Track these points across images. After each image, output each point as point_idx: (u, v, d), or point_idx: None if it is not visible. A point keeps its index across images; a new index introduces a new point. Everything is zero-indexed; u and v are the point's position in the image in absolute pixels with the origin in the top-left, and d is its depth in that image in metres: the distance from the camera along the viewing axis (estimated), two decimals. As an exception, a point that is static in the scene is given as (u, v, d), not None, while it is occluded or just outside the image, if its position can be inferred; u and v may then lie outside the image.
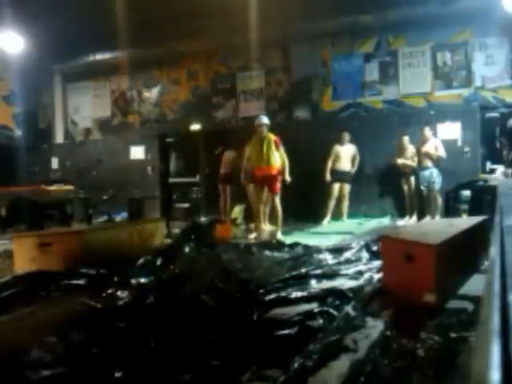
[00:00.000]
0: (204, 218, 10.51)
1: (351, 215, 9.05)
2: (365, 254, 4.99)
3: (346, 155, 8.84)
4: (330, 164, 8.78)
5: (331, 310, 3.12)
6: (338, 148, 8.83)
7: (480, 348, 0.66)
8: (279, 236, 6.87)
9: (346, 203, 9.00)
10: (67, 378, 2.24)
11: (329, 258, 4.94)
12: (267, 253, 5.35)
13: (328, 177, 8.76)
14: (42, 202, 8.94)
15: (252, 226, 7.15)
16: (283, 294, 3.52)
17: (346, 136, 8.86)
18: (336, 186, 8.79)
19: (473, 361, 0.64)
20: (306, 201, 9.23)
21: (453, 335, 2.50)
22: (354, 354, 2.42)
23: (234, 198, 9.60)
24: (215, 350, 2.45)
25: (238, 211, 9.60)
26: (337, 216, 8.93)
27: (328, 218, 8.80)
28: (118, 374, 2.18)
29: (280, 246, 5.86)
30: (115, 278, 4.07)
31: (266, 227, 7.82)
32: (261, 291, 3.54)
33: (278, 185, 7.11)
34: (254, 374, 2.18)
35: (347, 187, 8.91)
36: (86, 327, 2.87)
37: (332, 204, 8.83)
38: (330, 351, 2.45)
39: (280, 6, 8.49)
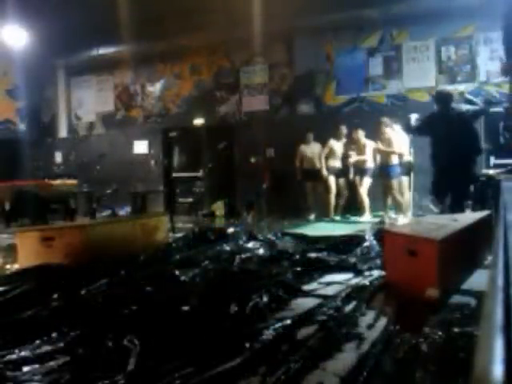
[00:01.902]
0: (205, 212, 10.60)
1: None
2: (365, 250, 4.99)
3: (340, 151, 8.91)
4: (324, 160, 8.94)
5: (334, 306, 3.12)
6: (332, 143, 8.90)
7: (483, 343, 0.66)
8: None
9: (342, 200, 9.05)
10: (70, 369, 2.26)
11: (330, 254, 4.94)
12: (265, 248, 5.35)
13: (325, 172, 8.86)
14: (46, 196, 8.97)
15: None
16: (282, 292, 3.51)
17: (344, 131, 8.93)
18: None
19: (476, 356, 0.64)
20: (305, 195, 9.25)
21: (456, 330, 2.50)
22: (357, 349, 2.43)
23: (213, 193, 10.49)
24: (214, 347, 2.45)
25: (218, 205, 10.38)
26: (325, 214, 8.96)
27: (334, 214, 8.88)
28: (118, 377, 2.18)
29: (282, 240, 5.87)
30: (116, 273, 4.08)
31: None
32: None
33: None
34: (251, 371, 2.18)
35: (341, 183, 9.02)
36: (83, 322, 2.88)
37: (333, 199, 8.86)
38: (333, 346, 2.46)
39: (283, -1, 8.49)
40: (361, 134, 8.60)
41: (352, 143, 8.81)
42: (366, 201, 8.50)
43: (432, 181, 6.07)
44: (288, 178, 9.41)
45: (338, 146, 8.90)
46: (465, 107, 5.93)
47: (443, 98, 5.92)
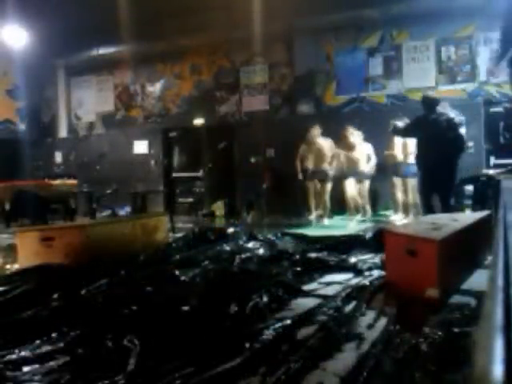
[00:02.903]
0: (205, 212, 10.62)
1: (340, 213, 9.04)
2: (366, 250, 4.99)
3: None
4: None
5: (334, 306, 3.12)
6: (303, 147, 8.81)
7: (483, 343, 0.66)
8: None
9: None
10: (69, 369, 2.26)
11: (330, 254, 4.93)
12: (265, 248, 5.35)
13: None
14: (46, 196, 8.96)
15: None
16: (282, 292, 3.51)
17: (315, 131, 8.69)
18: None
19: (476, 356, 0.64)
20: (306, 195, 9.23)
21: (456, 330, 2.49)
22: (357, 349, 2.42)
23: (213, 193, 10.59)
24: (214, 347, 2.46)
25: (218, 206, 10.39)
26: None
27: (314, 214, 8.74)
28: (118, 377, 2.18)
29: (282, 240, 5.87)
30: (116, 273, 4.09)
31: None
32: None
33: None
34: (251, 371, 2.19)
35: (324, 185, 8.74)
36: (83, 322, 2.88)
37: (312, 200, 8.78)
38: (333, 346, 2.46)
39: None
40: (350, 133, 8.27)
41: (340, 141, 8.44)
42: (354, 203, 8.35)
43: (420, 182, 6.43)
44: (288, 178, 9.41)
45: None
46: (452, 114, 6.15)
47: (429, 103, 6.20)
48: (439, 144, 5.78)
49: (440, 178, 5.89)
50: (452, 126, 6.02)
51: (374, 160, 8.34)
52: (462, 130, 6.67)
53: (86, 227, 5.19)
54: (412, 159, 7.77)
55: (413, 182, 7.82)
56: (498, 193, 4.03)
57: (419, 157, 6.27)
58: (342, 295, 3.36)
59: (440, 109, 6.21)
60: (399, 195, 8.05)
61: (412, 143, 7.89)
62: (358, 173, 8.34)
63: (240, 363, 2.24)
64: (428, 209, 6.04)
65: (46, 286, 3.65)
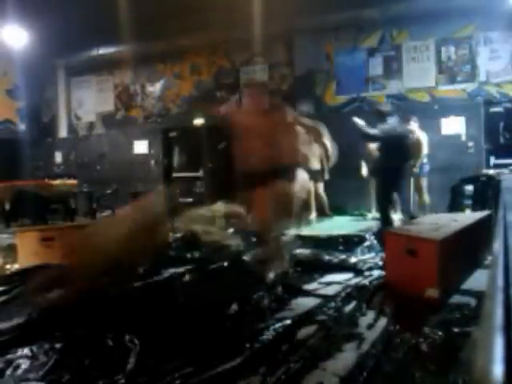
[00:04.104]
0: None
1: (343, 212, 8.98)
2: (366, 250, 5.00)
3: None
4: None
5: (334, 306, 3.13)
6: None
7: (483, 342, 0.66)
8: None
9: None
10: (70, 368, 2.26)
11: (330, 254, 4.94)
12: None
13: None
14: (46, 196, 8.95)
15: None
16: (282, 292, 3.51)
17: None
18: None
19: (476, 355, 0.64)
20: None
21: (456, 330, 2.50)
22: (357, 349, 2.43)
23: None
24: (214, 347, 2.46)
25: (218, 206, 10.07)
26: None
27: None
28: (118, 377, 2.18)
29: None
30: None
31: None
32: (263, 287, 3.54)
33: None
34: (251, 371, 2.19)
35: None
36: (83, 322, 2.88)
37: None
38: (334, 346, 2.46)
39: (283, -1, 8.47)
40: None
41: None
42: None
43: (380, 183, 6.69)
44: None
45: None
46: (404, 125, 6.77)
47: (380, 115, 6.54)
48: (395, 150, 6.14)
49: (397, 179, 6.31)
50: (404, 133, 6.47)
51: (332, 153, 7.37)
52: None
53: (86, 227, 5.18)
54: (425, 159, 7.79)
55: (425, 181, 7.78)
56: (498, 193, 4.03)
57: (380, 161, 6.60)
58: (342, 295, 3.36)
59: (392, 119, 6.45)
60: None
61: (425, 144, 7.86)
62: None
63: (240, 363, 2.24)
64: (386, 206, 6.49)
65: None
